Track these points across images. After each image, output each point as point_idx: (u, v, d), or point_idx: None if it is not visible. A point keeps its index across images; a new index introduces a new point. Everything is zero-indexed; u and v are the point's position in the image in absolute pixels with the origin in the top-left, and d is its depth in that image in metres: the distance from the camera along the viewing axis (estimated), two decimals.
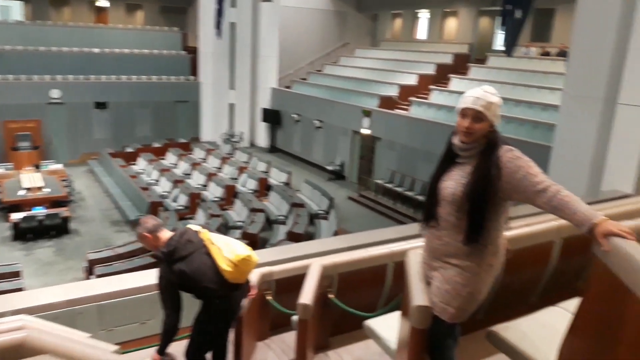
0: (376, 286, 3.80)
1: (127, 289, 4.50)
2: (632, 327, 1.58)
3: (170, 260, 2.99)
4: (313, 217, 15.33)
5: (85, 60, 24.23)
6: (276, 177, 19.00)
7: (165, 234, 3.10)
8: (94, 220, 16.43)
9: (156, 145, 23.42)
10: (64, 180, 18.51)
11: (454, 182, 2.22)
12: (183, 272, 2.97)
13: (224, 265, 2.98)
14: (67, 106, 22.78)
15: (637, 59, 6.86)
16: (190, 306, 3.15)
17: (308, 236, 13.70)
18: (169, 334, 3.04)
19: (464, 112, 2.21)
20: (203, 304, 3.09)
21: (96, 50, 24.78)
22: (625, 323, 1.61)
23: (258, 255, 4.85)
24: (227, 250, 3.02)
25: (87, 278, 11.33)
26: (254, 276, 3.59)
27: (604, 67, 7.35)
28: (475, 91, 2.22)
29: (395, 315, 3.02)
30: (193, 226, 3.23)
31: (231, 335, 3.40)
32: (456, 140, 2.26)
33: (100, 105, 23.56)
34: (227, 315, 3.13)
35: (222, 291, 3.00)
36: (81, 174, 21.30)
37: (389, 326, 2.92)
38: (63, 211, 15.26)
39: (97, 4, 28.82)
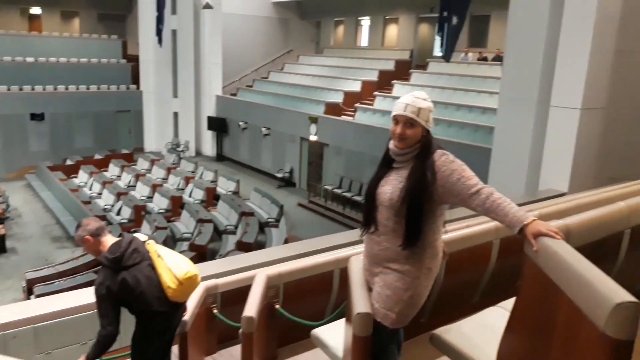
0: (323, 294, 3.79)
1: (66, 308, 4.29)
2: (562, 324, 1.63)
3: (114, 267, 2.83)
4: (263, 226, 15.23)
5: (18, 70, 23.19)
6: (224, 186, 18.76)
7: (109, 239, 2.93)
8: (32, 237, 15.70)
9: (98, 157, 22.66)
10: None
11: (391, 187, 2.25)
12: (125, 283, 2.81)
13: (169, 282, 2.84)
14: None
15: (564, 64, 7.19)
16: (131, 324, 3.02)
17: (258, 245, 13.58)
18: (102, 345, 2.81)
19: (396, 119, 2.26)
20: (138, 321, 2.94)
21: (30, 59, 23.77)
22: (557, 320, 1.67)
23: (204, 268, 4.79)
24: (175, 266, 2.87)
25: (27, 298, 10.83)
26: (198, 290, 3.50)
27: (536, 71, 7.66)
28: (405, 98, 2.26)
29: (342, 323, 3.01)
30: (140, 235, 3.07)
31: (175, 351, 3.30)
32: (392, 145, 2.30)
33: (37, 117, 22.58)
34: (165, 334, 3.01)
35: (162, 308, 2.87)
36: (18, 189, 20.32)
37: (335, 334, 2.91)
38: None
39: (30, 11, 27.67)
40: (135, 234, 3.07)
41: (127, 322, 3.05)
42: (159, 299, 2.86)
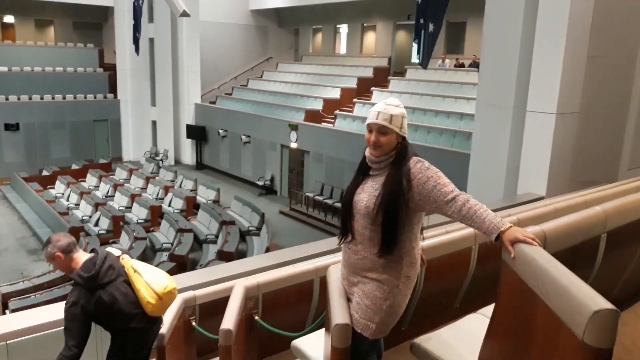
0: (304, 303, 3.74)
1: (41, 323, 4.16)
2: (541, 331, 1.62)
3: (89, 286, 2.71)
4: (244, 234, 15.11)
5: None
6: (204, 195, 18.59)
7: (82, 255, 2.80)
8: (7, 250, 15.36)
9: (75, 167, 22.30)
10: None
11: (367, 195, 2.24)
12: (101, 301, 2.71)
13: (149, 297, 2.76)
14: None
15: (539, 70, 7.29)
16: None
17: (240, 254, 13.47)
18: None
19: (370, 127, 2.26)
20: (114, 337, 2.87)
21: (3, 68, 23.36)
22: (535, 327, 1.66)
23: (182, 279, 4.71)
24: (153, 281, 2.80)
25: (2, 313, 10.57)
26: (176, 302, 3.44)
27: (511, 76, 7.75)
28: (378, 105, 2.27)
29: (322, 333, 2.98)
30: (114, 250, 2.97)
31: None
32: (367, 153, 2.30)
33: (11, 127, 22.20)
34: (142, 350, 2.93)
35: (139, 324, 2.79)
36: None
37: (316, 345, 2.87)
38: None
39: (4, 20, 27.21)
40: (109, 249, 2.98)
41: (104, 338, 2.96)
42: (136, 315, 2.78)
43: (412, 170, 2.16)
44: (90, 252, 2.89)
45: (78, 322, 2.68)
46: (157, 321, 2.97)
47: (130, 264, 2.88)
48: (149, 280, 2.80)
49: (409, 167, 2.17)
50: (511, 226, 1.90)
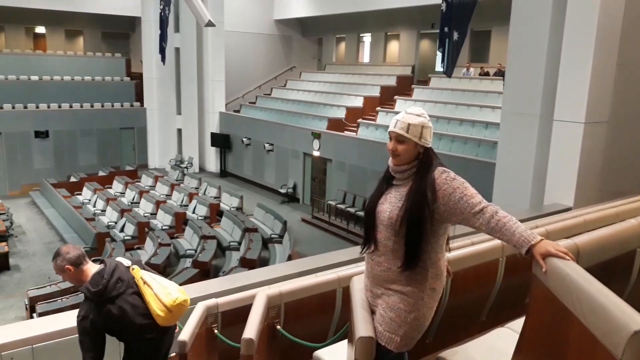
0: (326, 313, 3.70)
1: (65, 328, 4.21)
2: (575, 350, 1.56)
3: (98, 300, 2.71)
4: (267, 242, 15.14)
5: (23, 88, 23.36)
6: (228, 202, 18.71)
7: (91, 267, 2.80)
8: (35, 254, 15.64)
9: (102, 174, 22.68)
10: (2, 213, 17.58)
11: (389, 206, 2.19)
12: (110, 315, 2.71)
13: (158, 310, 2.77)
14: (3, 136, 21.89)
15: (567, 78, 7.15)
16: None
17: (262, 261, 13.49)
18: None
19: (389, 135, 2.25)
20: (127, 347, 2.86)
21: (35, 78, 23.96)
22: (568, 345, 1.60)
23: (204, 286, 4.72)
24: (162, 293, 2.79)
25: (30, 316, 10.76)
26: (199, 309, 3.44)
27: (538, 85, 7.63)
28: (399, 114, 2.25)
29: (345, 344, 2.94)
30: (124, 260, 2.96)
31: None
32: (390, 163, 2.27)
33: (41, 134, 22.72)
34: (157, 358, 2.93)
35: (150, 334, 2.79)
36: (22, 206, 20.32)
37: (338, 356, 2.84)
38: (1, 246, 14.45)
39: (35, 30, 27.98)
40: (118, 259, 2.96)
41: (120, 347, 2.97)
42: (146, 326, 2.78)
43: (437, 181, 2.11)
44: (100, 263, 2.88)
45: (89, 335, 2.70)
46: (170, 330, 2.96)
47: (140, 275, 2.87)
48: (158, 292, 2.80)
49: (434, 178, 2.12)
50: (542, 239, 1.84)
